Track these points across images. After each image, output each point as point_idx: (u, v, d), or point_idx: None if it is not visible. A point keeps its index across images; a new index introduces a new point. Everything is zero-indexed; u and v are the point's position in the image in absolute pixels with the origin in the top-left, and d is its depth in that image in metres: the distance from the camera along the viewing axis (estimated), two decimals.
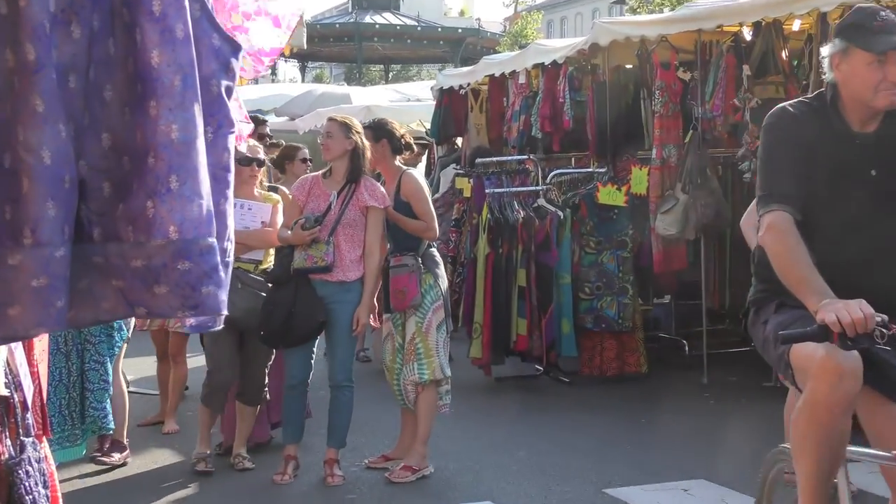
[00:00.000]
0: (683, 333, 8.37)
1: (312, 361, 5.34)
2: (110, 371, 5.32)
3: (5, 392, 2.11)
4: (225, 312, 1.81)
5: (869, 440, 2.81)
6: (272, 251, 5.53)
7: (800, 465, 2.77)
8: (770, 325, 2.92)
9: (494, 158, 8.66)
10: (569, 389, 7.45)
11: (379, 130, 5.41)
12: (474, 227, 7.85)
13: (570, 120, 8.31)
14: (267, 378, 5.59)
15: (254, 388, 5.55)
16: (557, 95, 8.43)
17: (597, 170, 7.93)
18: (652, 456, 5.65)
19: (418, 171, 5.91)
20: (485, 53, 23.75)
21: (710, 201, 7.10)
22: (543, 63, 8.66)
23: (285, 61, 32.16)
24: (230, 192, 1.88)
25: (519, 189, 7.89)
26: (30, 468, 2.10)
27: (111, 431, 5.42)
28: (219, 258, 1.77)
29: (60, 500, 2.37)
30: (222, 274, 1.79)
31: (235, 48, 1.89)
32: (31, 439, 2.18)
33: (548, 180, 7.91)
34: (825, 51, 3.00)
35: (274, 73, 31.55)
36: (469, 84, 10.14)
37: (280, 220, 5.46)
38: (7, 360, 2.14)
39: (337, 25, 31.89)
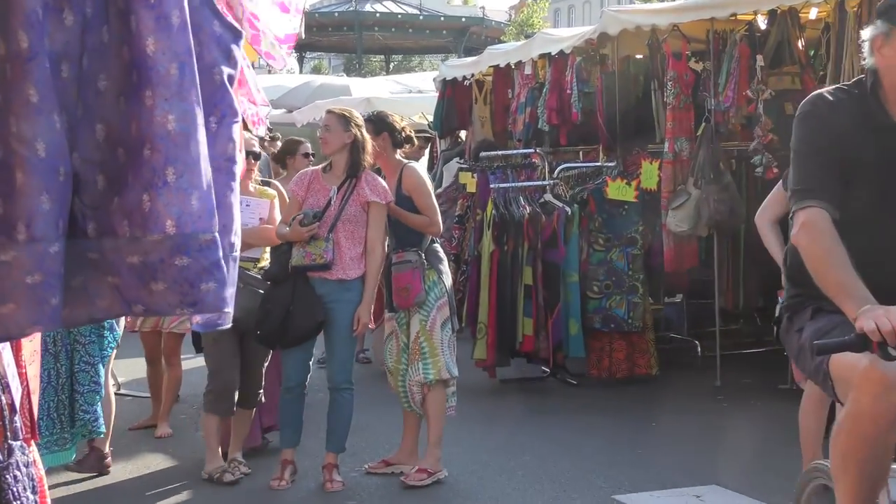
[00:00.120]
0: (695, 334, 8.26)
1: (311, 363, 5.24)
2: (101, 373, 5.20)
3: None
4: (229, 310, 1.78)
5: None
6: (268, 248, 5.40)
7: (840, 482, 2.64)
8: (806, 333, 2.77)
9: (499, 152, 8.53)
10: (576, 392, 7.36)
11: (380, 123, 5.33)
12: (478, 224, 7.75)
13: (577, 112, 8.27)
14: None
15: (252, 390, 5.43)
16: (565, 87, 8.38)
17: (606, 164, 7.86)
18: (663, 461, 5.58)
19: (420, 165, 5.78)
20: (489, 43, 23.32)
21: (723, 196, 6.98)
22: (550, 53, 8.61)
23: None
24: (236, 185, 1.86)
25: (525, 184, 7.77)
26: (18, 473, 2.10)
27: (102, 435, 5.29)
28: (221, 253, 1.75)
29: None
30: (225, 270, 1.76)
31: (237, 35, 1.88)
32: (19, 443, 2.17)
33: (555, 175, 7.81)
34: (866, 34, 2.82)
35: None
36: (473, 75, 10.08)
37: (277, 215, 5.36)
38: None
39: (336, 14, 31.48)
